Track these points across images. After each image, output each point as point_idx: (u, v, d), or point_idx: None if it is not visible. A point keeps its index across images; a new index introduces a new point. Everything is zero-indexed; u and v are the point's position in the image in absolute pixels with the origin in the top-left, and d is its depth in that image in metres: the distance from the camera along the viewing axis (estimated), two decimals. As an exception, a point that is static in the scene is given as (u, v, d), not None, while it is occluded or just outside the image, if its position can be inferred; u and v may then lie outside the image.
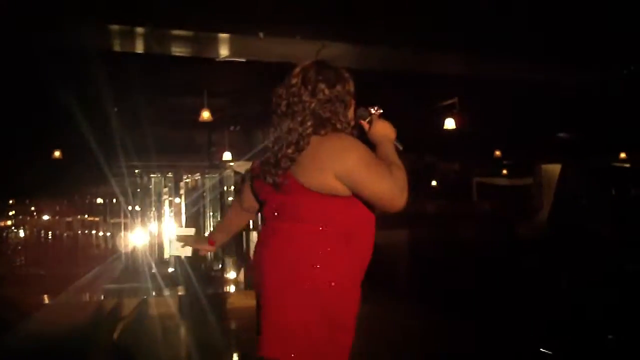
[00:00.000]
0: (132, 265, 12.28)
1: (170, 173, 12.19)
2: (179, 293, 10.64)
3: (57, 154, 9.78)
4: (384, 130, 2.50)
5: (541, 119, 9.53)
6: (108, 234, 13.94)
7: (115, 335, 6.98)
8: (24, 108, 7.76)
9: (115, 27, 5.02)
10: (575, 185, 13.34)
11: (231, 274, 12.21)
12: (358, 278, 2.40)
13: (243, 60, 6.02)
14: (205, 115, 7.69)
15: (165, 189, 12.33)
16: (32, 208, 19.99)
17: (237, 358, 6.89)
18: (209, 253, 12.17)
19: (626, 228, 9.83)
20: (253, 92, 7.88)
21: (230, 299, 10.34)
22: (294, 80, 2.41)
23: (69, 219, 18.97)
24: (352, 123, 2.49)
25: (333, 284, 2.30)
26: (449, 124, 8.52)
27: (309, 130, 2.34)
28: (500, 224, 12.45)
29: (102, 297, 9.95)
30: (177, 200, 12.87)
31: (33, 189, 14.15)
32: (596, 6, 5.47)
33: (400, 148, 2.49)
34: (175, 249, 3.08)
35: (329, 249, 2.33)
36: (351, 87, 2.48)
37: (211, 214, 12.53)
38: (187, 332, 8.10)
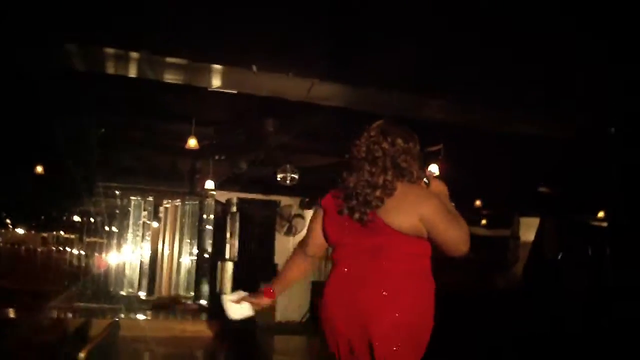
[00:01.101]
0: (104, 286, 12.15)
1: (150, 197, 12.14)
2: (148, 317, 10.58)
3: (39, 169, 9.73)
4: (441, 188, 2.84)
5: (523, 172, 9.61)
6: (82, 252, 13.79)
7: (82, 355, 6.89)
8: (5, 123, 7.73)
9: (110, 51, 5.04)
10: (553, 240, 13.45)
11: (203, 303, 12.14)
12: (434, 309, 2.76)
13: (234, 92, 6.06)
14: (192, 143, 7.69)
15: (145, 213, 12.26)
16: (8, 221, 19.77)
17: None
18: (182, 281, 12.18)
19: (601, 286, 9.91)
20: (240, 123, 7.92)
21: (200, 328, 10.29)
22: (372, 132, 2.80)
23: (45, 235, 18.78)
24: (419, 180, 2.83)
25: (423, 317, 2.71)
26: (433, 170, 8.55)
27: (392, 177, 2.69)
28: (478, 274, 12.49)
29: (72, 316, 9.84)
30: (155, 224, 12.81)
31: (10, 203, 14.04)
32: (585, 65, 5.58)
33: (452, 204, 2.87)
34: (235, 313, 3.05)
35: (418, 285, 2.73)
36: (418, 147, 2.87)
37: (188, 240, 12.47)
38: (155, 356, 8.03)
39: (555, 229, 13.37)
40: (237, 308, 3.04)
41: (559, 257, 13.59)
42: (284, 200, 12.89)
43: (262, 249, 11.64)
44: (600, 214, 12.41)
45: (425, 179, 2.85)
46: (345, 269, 2.75)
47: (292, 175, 9.74)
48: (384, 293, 2.62)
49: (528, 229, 14.13)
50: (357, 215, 2.69)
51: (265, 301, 3.05)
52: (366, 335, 2.60)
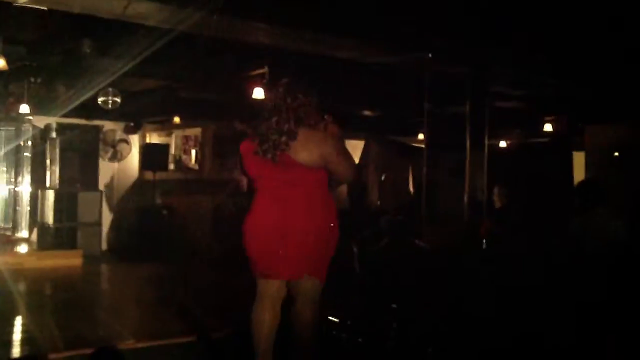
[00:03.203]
0: None
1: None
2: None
3: None
4: (335, 130, 3.75)
5: (347, 95, 9.81)
6: None
7: None
8: None
9: None
10: (376, 161, 13.97)
11: (23, 234, 11.67)
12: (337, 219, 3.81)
13: (44, 8, 5.65)
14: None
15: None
16: None
17: (21, 319, 6.66)
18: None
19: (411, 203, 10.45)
20: (56, 43, 7.46)
21: (20, 260, 9.94)
22: (280, 89, 3.69)
23: None
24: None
25: (331, 224, 3.76)
26: (258, 93, 8.52)
27: (294, 126, 3.58)
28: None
29: None
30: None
31: None
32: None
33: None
34: None
35: (323, 202, 3.74)
36: (317, 99, 3.74)
37: (4, 169, 11.84)
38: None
39: (379, 150, 13.88)
40: None
41: (382, 177, 14.18)
42: (107, 125, 12.45)
43: (85, 176, 11.26)
44: (420, 136, 12.94)
45: (323, 123, 3.71)
46: (267, 196, 3.70)
47: (115, 98, 9.40)
48: (299, 210, 3.61)
49: (352, 151, 14.55)
50: (269, 156, 3.59)
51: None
52: (288, 242, 3.57)
